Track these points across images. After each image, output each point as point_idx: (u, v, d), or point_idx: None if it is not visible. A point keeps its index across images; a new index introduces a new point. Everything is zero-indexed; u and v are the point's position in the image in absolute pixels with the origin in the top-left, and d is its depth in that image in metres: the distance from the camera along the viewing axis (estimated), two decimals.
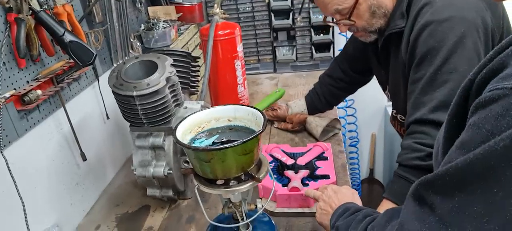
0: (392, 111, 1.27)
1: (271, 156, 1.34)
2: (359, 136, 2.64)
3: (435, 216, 0.47)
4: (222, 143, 0.86)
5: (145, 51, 1.63)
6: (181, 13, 1.86)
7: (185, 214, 1.21)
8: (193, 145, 0.85)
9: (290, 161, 1.29)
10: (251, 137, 0.74)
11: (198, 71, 1.37)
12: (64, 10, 1.13)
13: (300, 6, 2.05)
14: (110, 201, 1.34)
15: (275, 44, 2.23)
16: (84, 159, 1.26)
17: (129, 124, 1.16)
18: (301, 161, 1.29)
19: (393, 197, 0.96)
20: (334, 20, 1.13)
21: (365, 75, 1.45)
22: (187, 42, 1.86)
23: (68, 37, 1.04)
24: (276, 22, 2.13)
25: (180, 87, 1.17)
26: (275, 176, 1.24)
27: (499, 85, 0.43)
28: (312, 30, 2.12)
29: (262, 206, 0.93)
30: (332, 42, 2.13)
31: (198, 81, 1.38)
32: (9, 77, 0.98)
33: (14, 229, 0.97)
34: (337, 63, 1.49)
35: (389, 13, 1.07)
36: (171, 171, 1.14)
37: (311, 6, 2.08)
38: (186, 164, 1.11)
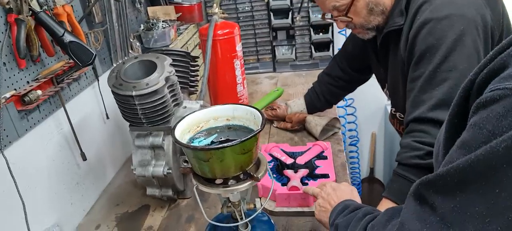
0: (391, 110, 1.27)
1: (271, 155, 1.34)
2: (359, 135, 2.64)
3: (436, 216, 0.47)
4: (221, 142, 0.86)
5: (145, 51, 1.64)
6: (181, 13, 1.86)
7: (185, 214, 1.22)
8: (191, 144, 0.85)
9: (289, 160, 1.29)
10: (249, 136, 0.75)
11: (197, 71, 1.37)
12: (64, 10, 1.13)
13: (299, 5, 2.05)
14: (110, 201, 1.34)
15: (274, 44, 2.23)
16: (84, 158, 1.26)
17: (128, 123, 1.16)
18: (301, 160, 1.29)
19: (393, 196, 0.96)
20: (332, 17, 1.13)
21: (364, 74, 1.45)
22: (186, 42, 1.86)
23: (68, 38, 1.04)
24: (275, 22, 2.13)
25: (179, 87, 1.17)
26: (274, 175, 1.24)
27: (500, 85, 0.43)
28: (311, 30, 2.13)
29: (261, 205, 0.93)
30: (332, 41, 2.13)
31: (198, 80, 1.39)
32: (10, 77, 0.99)
33: (15, 228, 0.97)
34: (336, 62, 1.49)
35: (387, 10, 1.07)
36: (170, 171, 1.14)
37: (310, 5, 2.08)
38: (185, 164, 1.11)
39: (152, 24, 1.69)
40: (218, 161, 0.76)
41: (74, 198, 1.24)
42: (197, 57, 1.36)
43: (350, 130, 2.60)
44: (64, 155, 1.21)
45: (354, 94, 2.11)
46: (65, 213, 1.19)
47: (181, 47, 1.77)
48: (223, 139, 0.88)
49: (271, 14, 2.12)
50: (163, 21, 1.71)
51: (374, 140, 2.67)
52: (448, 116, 0.52)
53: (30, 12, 0.99)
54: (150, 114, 1.09)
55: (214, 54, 1.54)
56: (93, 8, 1.33)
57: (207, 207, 1.21)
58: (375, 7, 1.06)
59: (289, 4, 2.07)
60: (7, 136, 0.97)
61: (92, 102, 1.37)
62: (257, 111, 0.85)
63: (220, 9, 1.56)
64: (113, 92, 1.08)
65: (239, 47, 1.60)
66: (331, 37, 2.12)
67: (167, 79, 1.08)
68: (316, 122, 1.50)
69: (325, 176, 1.21)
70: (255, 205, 0.94)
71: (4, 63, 0.97)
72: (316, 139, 1.49)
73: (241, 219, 0.91)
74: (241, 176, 0.83)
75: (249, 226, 0.94)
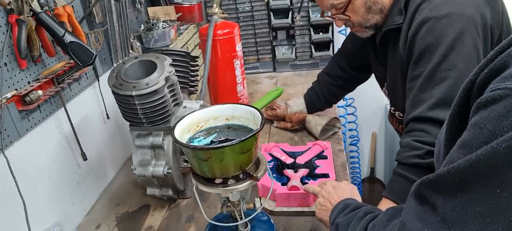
0: (390, 109, 1.27)
1: (271, 155, 1.34)
2: (360, 135, 2.65)
3: (437, 216, 0.47)
4: (220, 141, 0.86)
5: (145, 51, 1.64)
6: (181, 13, 1.87)
7: (185, 213, 1.22)
8: (191, 144, 0.85)
9: (289, 160, 1.29)
10: (248, 136, 0.75)
11: (197, 70, 1.37)
12: (64, 11, 1.14)
13: (299, 5, 2.05)
14: (111, 201, 1.35)
15: (274, 43, 2.23)
16: (85, 158, 1.26)
17: (129, 123, 1.16)
18: (301, 160, 1.29)
19: (393, 196, 0.96)
20: (331, 15, 1.14)
21: (364, 73, 1.45)
22: (186, 42, 1.87)
23: (69, 38, 1.04)
24: (275, 21, 2.14)
25: (179, 87, 1.18)
26: (274, 175, 1.24)
27: (501, 85, 0.43)
28: (311, 29, 2.13)
29: (261, 205, 0.93)
30: (332, 41, 2.13)
31: (198, 80, 1.39)
32: (11, 78, 0.99)
33: (15, 228, 0.98)
34: (335, 61, 1.49)
35: (385, 9, 1.07)
36: (170, 170, 1.15)
37: (310, 5, 2.08)
38: (185, 163, 1.11)
39: (152, 24, 1.69)
40: (217, 160, 0.76)
41: (75, 198, 1.25)
42: (197, 57, 1.37)
43: (350, 130, 2.60)
44: (65, 155, 1.21)
45: (355, 94, 2.12)
46: (65, 213, 1.20)
47: (181, 47, 1.77)
48: (222, 138, 0.88)
49: (271, 14, 2.12)
50: (163, 21, 1.71)
51: (374, 140, 2.67)
52: (448, 116, 0.52)
53: (31, 12, 0.99)
54: (150, 114, 1.09)
55: (214, 54, 1.54)
56: (94, 8, 1.33)
57: (207, 207, 1.22)
58: (373, 5, 1.06)
59: (289, 4, 2.08)
60: (8, 135, 0.98)
61: (92, 102, 1.37)
62: (256, 111, 0.85)
63: (220, 9, 1.56)
64: (113, 92, 1.08)
65: (239, 47, 1.60)
66: (331, 37, 2.12)
67: (167, 79, 1.08)
68: (316, 121, 1.50)
69: (325, 175, 1.22)
70: (254, 204, 0.94)
71: (5, 63, 0.97)
72: (316, 139, 1.49)
73: (241, 218, 0.91)
74: (241, 176, 0.84)
75: (249, 225, 0.94)
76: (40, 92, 1.06)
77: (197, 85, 1.40)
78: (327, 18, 1.17)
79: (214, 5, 1.55)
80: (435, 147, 0.60)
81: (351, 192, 0.91)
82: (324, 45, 2.17)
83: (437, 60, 0.91)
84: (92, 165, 1.34)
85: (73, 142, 1.24)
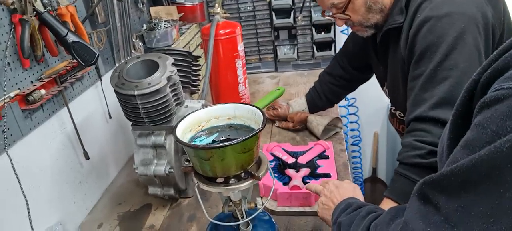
0: (391, 108, 1.27)
1: (272, 154, 1.35)
2: (362, 135, 2.64)
3: (440, 215, 0.47)
4: (222, 141, 0.87)
5: (147, 51, 1.65)
6: (183, 13, 1.87)
7: (187, 213, 1.23)
8: (192, 143, 0.86)
9: (291, 160, 1.30)
10: (250, 135, 0.75)
11: (199, 70, 1.38)
12: (67, 11, 1.14)
13: (301, 5, 2.05)
14: (113, 200, 1.35)
15: (276, 43, 2.23)
16: (87, 157, 1.27)
17: (131, 123, 1.17)
18: (302, 159, 1.29)
19: (394, 196, 0.96)
20: (331, 14, 1.14)
21: (365, 73, 1.45)
22: (188, 42, 1.87)
23: (71, 38, 1.05)
24: (277, 21, 2.14)
25: (181, 87, 1.18)
26: (276, 175, 1.25)
27: (505, 85, 0.43)
28: (313, 29, 2.13)
29: (262, 204, 0.93)
30: (334, 41, 2.13)
31: (199, 80, 1.39)
32: (14, 77, 1.00)
33: (18, 227, 0.98)
34: (337, 61, 1.49)
35: (386, 8, 1.07)
36: (172, 170, 1.15)
37: (312, 4, 2.08)
38: (187, 163, 1.12)
39: (155, 24, 1.69)
40: (219, 159, 0.77)
41: (77, 197, 1.25)
42: (199, 57, 1.37)
43: (352, 130, 2.60)
44: (67, 154, 1.22)
45: (356, 94, 2.11)
46: (68, 212, 1.20)
47: (183, 47, 1.77)
48: (224, 138, 0.88)
49: (273, 13, 2.12)
50: (165, 21, 1.72)
51: (376, 140, 2.66)
52: (452, 116, 0.52)
53: (34, 12, 1.00)
54: (152, 113, 1.09)
55: (216, 53, 1.55)
56: (96, 8, 1.34)
57: (209, 206, 1.22)
58: (374, 5, 1.06)
59: (291, 3, 2.08)
60: (11, 135, 0.98)
61: (95, 102, 1.38)
62: (258, 110, 0.85)
63: (222, 9, 1.56)
64: (115, 91, 1.09)
65: (241, 47, 1.60)
66: (333, 37, 2.12)
67: (169, 78, 1.09)
68: (318, 121, 1.50)
69: (327, 175, 1.22)
70: (256, 204, 0.94)
71: (9, 63, 0.98)
72: (318, 139, 1.49)
73: (242, 218, 0.91)
74: (242, 175, 0.84)
75: (250, 225, 0.95)
76: (43, 91, 1.06)
77: (199, 85, 1.40)
78: (328, 17, 1.17)
79: (216, 5, 1.55)
80: (438, 147, 0.60)
81: (354, 192, 0.91)
82: (326, 45, 2.17)
83: (439, 60, 0.91)
84: (95, 164, 1.35)
85: (75, 141, 1.24)
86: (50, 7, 1.07)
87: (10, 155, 0.92)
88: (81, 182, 1.28)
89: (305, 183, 1.17)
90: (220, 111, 0.92)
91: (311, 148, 1.36)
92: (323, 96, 1.55)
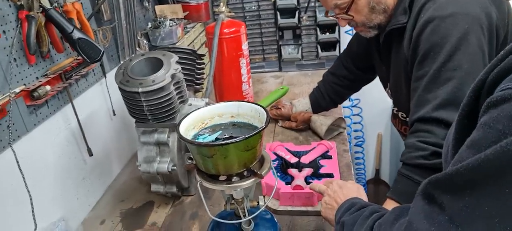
0: (393, 109, 1.27)
1: (275, 154, 1.34)
2: (365, 136, 2.63)
3: (444, 215, 0.47)
4: (225, 139, 0.87)
5: (152, 49, 1.65)
6: (188, 12, 1.88)
7: (189, 211, 1.23)
8: (196, 140, 0.86)
9: (294, 159, 1.29)
10: (253, 133, 0.75)
11: (203, 69, 1.38)
12: (73, 8, 1.15)
13: (306, 5, 2.05)
14: (115, 197, 1.36)
15: (280, 43, 2.23)
16: (91, 154, 1.28)
17: (135, 120, 1.17)
18: (305, 159, 1.29)
19: (397, 197, 0.96)
20: (334, 15, 1.14)
21: (369, 73, 1.45)
22: (193, 41, 1.87)
23: (77, 35, 1.06)
24: (281, 21, 2.14)
25: (185, 85, 1.18)
26: (278, 174, 1.25)
27: (511, 84, 0.43)
28: (318, 29, 2.13)
29: (264, 203, 0.93)
30: (338, 41, 2.13)
31: (203, 78, 1.40)
32: (19, 73, 1.01)
33: (22, 221, 0.99)
34: (341, 61, 1.49)
35: (389, 9, 1.07)
36: (175, 167, 1.15)
37: (317, 5, 2.08)
38: (190, 160, 1.12)
39: (160, 22, 1.70)
40: (221, 157, 0.77)
41: (80, 193, 1.26)
42: (203, 55, 1.37)
43: (355, 130, 2.60)
44: (71, 150, 1.22)
45: (360, 95, 2.11)
46: (70, 208, 1.21)
47: (187, 46, 1.78)
48: (227, 135, 0.88)
49: (278, 13, 2.12)
50: (170, 20, 1.72)
51: (380, 141, 2.66)
52: (457, 116, 0.52)
53: (41, 9, 1.01)
54: (156, 111, 1.10)
55: (220, 52, 1.55)
56: (102, 6, 1.34)
57: (211, 205, 1.22)
58: (377, 5, 1.06)
59: (296, 3, 2.08)
60: (16, 130, 0.99)
61: (99, 99, 1.38)
62: (261, 108, 0.86)
63: (227, 8, 1.57)
64: (120, 88, 1.09)
65: (245, 46, 1.61)
66: (337, 37, 2.12)
67: (173, 76, 1.09)
68: (321, 121, 1.50)
69: (330, 175, 1.22)
70: (258, 202, 0.94)
71: (15, 58, 0.99)
72: (321, 139, 1.49)
73: (244, 216, 0.91)
74: (245, 173, 0.84)
75: (252, 223, 0.95)
76: (48, 87, 1.07)
77: (203, 83, 1.40)
78: (331, 17, 1.17)
79: (221, 3, 1.56)
80: (443, 147, 0.60)
81: (357, 192, 0.91)
82: (330, 45, 2.16)
83: (442, 60, 0.91)
84: (98, 161, 1.36)
85: (79, 137, 1.25)
86: (56, 4, 1.08)
87: (14, 150, 0.93)
88: (84, 178, 1.29)
89: (307, 182, 1.17)
90: (223, 109, 0.92)
91: (314, 147, 1.36)
92: (326, 97, 1.54)
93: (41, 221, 1.00)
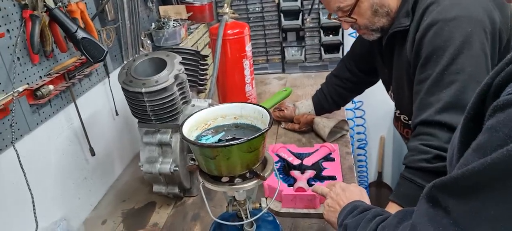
0: (395, 112, 1.26)
1: (278, 155, 1.34)
2: (368, 138, 2.63)
3: (449, 218, 0.47)
4: (228, 140, 0.86)
5: (155, 49, 1.65)
6: (192, 13, 1.88)
7: (191, 212, 1.22)
8: (199, 141, 0.85)
9: (296, 161, 1.29)
10: (256, 135, 0.75)
11: (207, 70, 1.38)
12: (77, 7, 1.15)
13: (309, 7, 2.05)
14: (117, 197, 1.36)
15: (284, 45, 2.23)
16: (93, 154, 1.28)
17: (137, 120, 1.17)
18: (308, 161, 1.29)
19: (399, 200, 0.95)
20: (337, 17, 1.14)
21: (372, 76, 1.44)
22: (196, 41, 1.88)
23: (81, 34, 1.06)
24: (285, 23, 2.14)
25: (188, 85, 1.18)
26: (281, 176, 1.24)
27: None
28: (321, 31, 2.12)
29: (267, 205, 0.93)
30: (342, 44, 2.13)
31: (207, 79, 1.39)
32: (23, 72, 1.01)
33: (23, 220, 0.99)
34: (344, 63, 1.49)
35: (392, 12, 1.07)
36: (177, 168, 1.15)
37: (320, 7, 2.08)
38: (192, 161, 1.11)
39: (163, 23, 1.70)
40: (224, 158, 0.77)
41: (82, 193, 1.26)
42: (207, 56, 1.37)
43: (358, 133, 2.59)
44: (73, 150, 1.22)
45: (363, 97, 2.10)
46: (72, 207, 1.21)
47: (191, 46, 1.78)
48: (230, 137, 0.88)
49: (281, 15, 2.12)
50: (174, 20, 1.72)
51: (382, 144, 2.65)
52: (463, 120, 0.52)
53: (45, 8, 1.01)
54: (158, 111, 1.10)
55: (223, 53, 1.55)
56: (106, 6, 1.34)
57: (213, 206, 1.22)
58: (380, 8, 1.06)
59: (300, 5, 2.07)
60: (18, 129, 0.99)
61: (102, 99, 1.38)
62: (264, 110, 0.85)
63: (231, 9, 1.57)
64: (123, 88, 1.09)
65: (248, 47, 1.60)
66: (341, 39, 2.11)
67: (176, 77, 1.09)
68: (324, 123, 1.50)
69: (332, 178, 1.21)
70: (260, 204, 0.94)
71: (18, 57, 0.99)
72: (324, 141, 1.48)
73: (247, 218, 0.91)
74: (247, 175, 0.84)
75: (254, 225, 0.94)
76: (51, 87, 1.07)
77: (206, 84, 1.40)
78: (334, 20, 1.17)
79: (225, 5, 1.55)
80: (448, 150, 0.59)
81: (360, 195, 0.91)
82: (333, 48, 2.16)
83: (445, 63, 0.91)
84: (100, 161, 1.36)
85: (82, 137, 1.25)
86: (60, 4, 1.08)
87: (17, 149, 0.93)
88: (86, 178, 1.28)
89: (310, 185, 1.16)
90: (226, 110, 0.91)
91: (317, 150, 1.35)
92: (329, 99, 1.54)
93: (42, 220, 0.99)
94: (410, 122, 1.14)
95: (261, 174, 0.82)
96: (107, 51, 1.11)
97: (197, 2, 1.93)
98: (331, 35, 2.13)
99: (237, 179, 0.83)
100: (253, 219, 0.91)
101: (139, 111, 1.12)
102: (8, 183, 0.96)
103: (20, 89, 0.99)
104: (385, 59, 1.20)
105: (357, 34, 1.25)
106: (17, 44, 0.97)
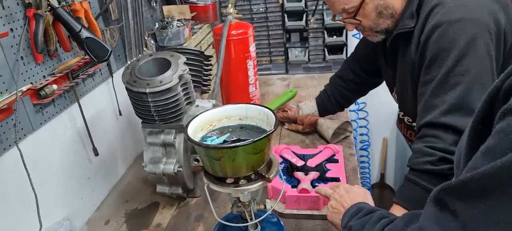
0: (399, 114, 1.26)
1: (281, 156, 1.33)
2: (371, 140, 2.62)
3: (457, 222, 0.47)
4: (233, 141, 0.86)
5: (159, 49, 1.65)
6: (195, 13, 1.87)
7: (194, 212, 1.22)
8: (204, 142, 0.85)
9: (300, 163, 1.28)
10: (262, 136, 0.74)
11: (211, 70, 1.37)
12: (81, 7, 1.15)
13: (313, 7, 2.04)
14: (120, 197, 1.35)
15: (287, 45, 2.23)
16: (96, 154, 1.27)
17: (141, 120, 1.17)
18: (311, 162, 1.28)
19: (403, 202, 0.95)
20: (342, 19, 1.13)
21: (376, 77, 1.44)
22: (200, 42, 1.87)
23: (85, 34, 1.05)
24: (289, 23, 2.13)
25: (192, 86, 1.18)
26: (284, 177, 1.23)
27: None
28: (325, 32, 2.12)
29: (271, 207, 0.92)
30: (345, 44, 2.12)
31: (210, 80, 1.39)
32: (26, 71, 1.00)
33: (27, 220, 0.99)
34: (348, 65, 1.48)
35: (396, 14, 1.06)
36: (181, 169, 1.15)
37: (324, 7, 2.07)
38: (195, 162, 1.11)
39: (167, 23, 1.70)
40: (229, 160, 0.76)
41: (85, 193, 1.26)
42: (211, 56, 1.37)
43: (361, 134, 2.58)
44: (77, 150, 1.22)
45: (367, 99, 2.09)
46: (75, 207, 1.21)
47: (194, 47, 1.78)
48: (235, 138, 0.87)
49: (285, 15, 2.12)
50: (177, 20, 1.72)
51: (385, 145, 2.64)
52: (471, 123, 0.51)
53: (49, 7, 1.00)
54: (162, 111, 1.09)
55: (227, 54, 1.54)
56: (110, 5, 1.34)
57: (216, 207, 1.21)
58: (384, 10, 1.05)
59: (304, 6, 2.07)
60: (22, 128, 0.99)
61: (105, 99, 1.38)
62: (270, 111, 0.85)
63: (235, 9, 1.56)
64: (127, 88, 1.09)
65: (252, 48, 1.60)
66: (345, 40, 2.10)
67: (180, 77, 1.08)
68: (328, 124, 1.49)
69: (336, 179, 1.20)
70: (265, 206, 0.93)
71: (22, 57, 0.99)
72: (328, 142, 1.48)
73: (251, 219, 0.90)
74: (252, 176, 0.83)
75: (259, 226, 0.94)
76: (54, 86, 1.07)
77: (210, 85, 1.40)
78: (338, 21, 1.16)
79: (229, 5, 1.55)
80: (455, 153, 0.59)
81: (364, 196, 0.90)
82: (337, 49, 2.16)
83: (450, 65, 0.90)
84: (103, 161, 1.35)
85: (85, 137, 1.24)
86: (64, 3, 1.08)
87: (20, 148, 0.92)
88: (89, 178, 1.28)
89: (313, 186, 1.16)
90: (231, 111, 0.91)
91: (321, 151, 1.35)
92: (333, 100, 1.53)
93: (45, 220, 0.99)
94: (413, 123, 1.14)
95: (266, 176, 0.82)
96: (111, 51, 1.10)
97: (201, 2, 1.92)
98: (335, 36, 2.12)
99: (242, 180, 0.83)
100: (257, 220, 0.90)
101: (143, 111, 1.11)
102: (12, 183, 0.96)
103: (24, 88, 0.98)
104: (389, 61, 1.20)
105: (361, 36, 1.25)
106: (21, 44, 0.97)
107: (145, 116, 1.13)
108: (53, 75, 1.08)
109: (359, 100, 1.90)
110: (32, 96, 1.02)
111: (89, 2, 1.21)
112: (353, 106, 2.39)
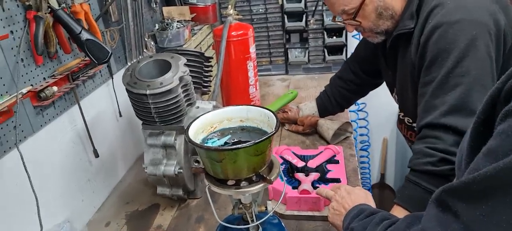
0: (399, 115, 1.26)
1: (282, 157, 1.33)
2: (371, 140, 2.62)
3: (459, 223, 0.47)
4: (234, 143, 0.86)
5: (159, 50, 1.65)
6: (195, 14, 1.87)
7: (195, 214, 1.22)
8: (205, 144, 0.85)
9: (300, 163, 1.28)
10: (263, 138, 0.74)
11: (211, 71, 1.37)
12: (81, 8, 1.15)
13: (313, 8, 2.04)
14: (121, 199, 1.35)
15: (287, 46, 2.23)
16: (97, 155, 1.27)
17: (141, 122, 1.17)
18: (312, 163, 1.28)
19: (404, 203, 0.95)
20: (342, 20, 1.13)
21: (376, 78, 1.44)
22: (200, 43, 1.87)
23: (85, 36, 1.05)
24: (289, 24, 2.13)
25: (193, 87, 1.18)
26: (285, 178, 1.23)
27: None
28: (325, 33, 2.12)
29: (272, 208, 0.92)
30: (345, 45, 2.12)
31: (211, 81, 1.39)
32: (27, 73, 1.00)
33: (27, 222, 0.98)
34: (348, 65, 1.48)
35: (396, 15, 1.06)
36: (181, 170, 1.15)
37: (324, 8, 2.07)
38: (196, 164, 1.11)
39: (167, 24, 1.70)
40: (231, 162, 0.76)
41: (85, 195, 1.25)
42: (211, 57, 1.37)
43: (361, 135, 2.58)
44: (77, 151, 1.22)
45: (367, 99, 2.09)
46: (76, 209, 1.20)
47: (194, 48, 1.77)
48: (236, 140, 0.87)
49: (285, 16, 2.12)
50: (177, 21, 1.72)
51: (385, 146, 2.64)
52: (472, 124, 0.51)
53: (49, 9, 1.00)
54: (163, 113, 1.09)
55: (227, 55, 1.54)
56: (110, 7, 1.34)
57: (217, 208, 1.21)
58: (384, 11, 1.06)
59: (303, 7, 2.07)
60: (22, 131, 0.99)
61: (106, 100, 1.38)
62: (271, 113, 0.85)
63: (235, 10, 1.56)
64: (127, 90, 1.09)
65: (252, 49, 1.60)
66: (344, 41, 2.11)
67: (181, 79, 1.08)
68: (328, 125, 1.49)
69: (337, 180, 1.20)
70: (266, 207, 0.93)
71: (22, 59, 0.98)
72: (328, 143, 1.48)
73: (252, 221, 0.90)
74: (254, 178, 0.83)
75: (260, 228, 0.94)
76: (55, 88, 1.06)
77: (210, 86, 1.40)
78: (338, 22, 1.16)
79: (229, 6, 1.55)
80: (457, 154, 0.59)
81: (366, 198, 0.90)
82: (337, 49, 2.16)
83: (450, 66, 0.90)
84: (104, 163, 1.35)
85: (85, 138, 1.24)
86: (64, 5, 1.08)
87: (21, 151, 0.92)
88: (89, 180, 1.28)
89: (314, 187, 1.16)
90: (232, 113, 0.91)
91: (321, 152, 1.35)
92: (333, 100, 1.53)
93: (46, 222, 0.99)
94: (414, 124, 1.14)
95: (268, 177, 0.81)
96: (111, 53, 1.10)
97: (201, 3, 1.92)
98: (334, 37, 2.13)
99: (243, 182, 0.83)
100: (259, 222, 0.90)
101: (143, 113, 1.11)
102: (12, 185, 0.96)
103: (24, 91, 0.98)
104: (389, 62, 1.20)
105: (361, 36, 1.25)
106: (21, 46, 0.97)
107: (146, 117, 1.13)
108: (53, 77, 1.08)
109: (359, 101, 1.90)
110: (32, 98, 1.02)
111: (89, 4, 1.21)
112: (353, 107, 2.39)
